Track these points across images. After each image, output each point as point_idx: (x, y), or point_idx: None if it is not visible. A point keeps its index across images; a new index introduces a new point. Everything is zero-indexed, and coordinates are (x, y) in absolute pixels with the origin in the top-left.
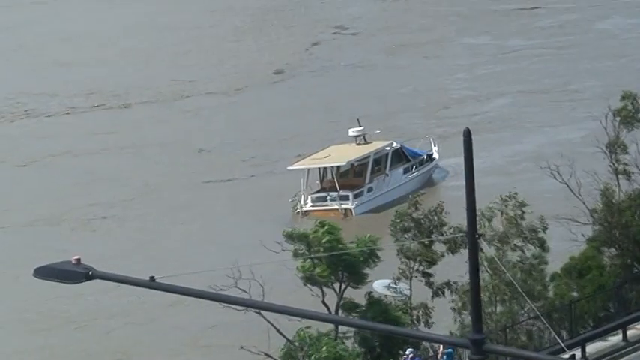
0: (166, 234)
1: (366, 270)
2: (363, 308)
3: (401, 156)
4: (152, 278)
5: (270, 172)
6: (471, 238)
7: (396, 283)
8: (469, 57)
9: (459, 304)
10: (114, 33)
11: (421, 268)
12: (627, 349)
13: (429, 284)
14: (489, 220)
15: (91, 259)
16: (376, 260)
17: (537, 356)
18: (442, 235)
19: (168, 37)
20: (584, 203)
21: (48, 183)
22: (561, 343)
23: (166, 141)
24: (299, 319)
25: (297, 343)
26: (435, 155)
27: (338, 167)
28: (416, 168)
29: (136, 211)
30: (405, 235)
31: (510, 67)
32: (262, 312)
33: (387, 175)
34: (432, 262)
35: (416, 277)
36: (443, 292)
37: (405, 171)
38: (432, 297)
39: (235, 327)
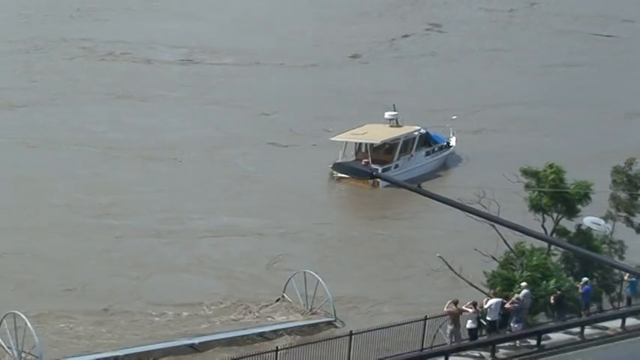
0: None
1: (579, 206)
2: (572, 235)
3: (425, 140)
4: (419, 185)
5: (317, 142)
6: None
7: (605, 221)
8: (541, 72)
9: None
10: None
11: (625, 214)
12: None
13: (631, 225)
14: None
15: None
16: (588, 201)
17: None
18: None
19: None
20: None
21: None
22: None
23: (234, 99)
24: (521, 234)
25: (515, 252)
26: (453, 143)
27: (372, 144)
28: (435, 152)
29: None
30: (619, 187)
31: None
32: (495, 225)
33: (412, 155)
34: (631, 214)
35: (619, 219)
36: None
37: (427, 154)
38: (637, 232)
39: (471, 235)
